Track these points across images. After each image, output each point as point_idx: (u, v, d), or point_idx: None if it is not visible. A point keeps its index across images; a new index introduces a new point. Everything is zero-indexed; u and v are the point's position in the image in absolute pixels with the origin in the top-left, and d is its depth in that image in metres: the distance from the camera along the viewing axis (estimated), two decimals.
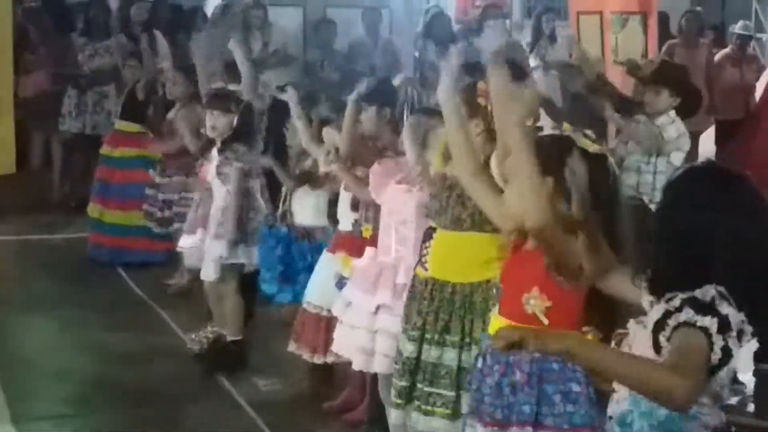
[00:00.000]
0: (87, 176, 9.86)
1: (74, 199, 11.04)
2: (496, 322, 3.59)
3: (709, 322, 2.78)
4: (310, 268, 6.17)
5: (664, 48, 10.79)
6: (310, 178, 6.25)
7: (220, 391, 6.53)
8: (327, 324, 5.87)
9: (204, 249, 6.79)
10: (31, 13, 12.12)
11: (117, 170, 9.31)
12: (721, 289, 2.84)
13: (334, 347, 5.58)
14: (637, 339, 3.05)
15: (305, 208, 6.34)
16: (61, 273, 9.15)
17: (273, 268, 6.36)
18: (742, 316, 2.84)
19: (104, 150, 9.50)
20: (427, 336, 4.18)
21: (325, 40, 12.10)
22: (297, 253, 6.31)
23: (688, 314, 2.81)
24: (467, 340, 4.09)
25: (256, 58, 11.59)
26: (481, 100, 4.18)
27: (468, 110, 4.10)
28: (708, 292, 2.84)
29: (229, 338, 6.82)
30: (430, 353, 4.16)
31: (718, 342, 2.77)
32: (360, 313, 5.29)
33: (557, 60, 9.17)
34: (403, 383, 4.21)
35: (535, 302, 3.53)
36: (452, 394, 4.09)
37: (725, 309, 2.82)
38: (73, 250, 9.59)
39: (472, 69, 4.29)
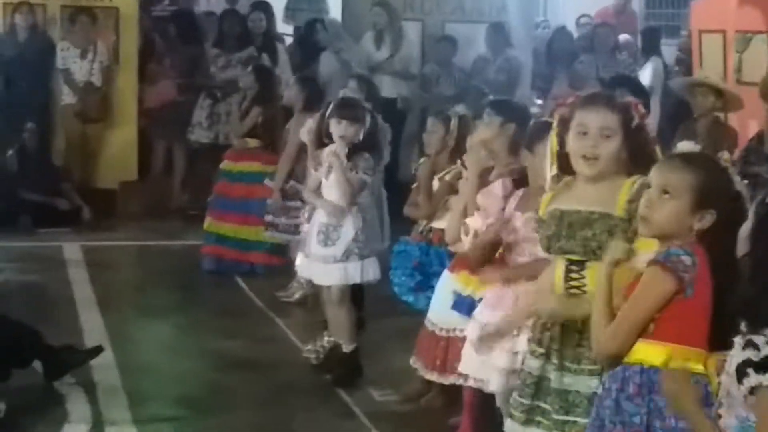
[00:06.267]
0: (209, 185, 9.97)
1: (194, 207, 11.23)
2: None
3: None
4: None
5: None
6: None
7: (335, 400, 6.56)
8: (446, 343, 5.81)
9: (312, 255, 6.83)
10: (158, 24, 12.36)
11: (237, 184, 9.33)
12: None
13: (466, 369, 5.51)
14: (732, 369, 3.01)
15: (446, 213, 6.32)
16: (179, 279, 9.31)
17: (411, 276, 6.34)
18: None
19: (225, 165, 9.49)
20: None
21: (443, 55, 12.14)
22: (435, 257, 6.28)
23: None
24: None
25: (375, 63, 11.72)
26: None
27: None
28: None
29: (347, 348, 6.84)
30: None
31: None
32: None
33: (682, 80, 9.05)
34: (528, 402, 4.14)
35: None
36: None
37: None
38: (191, 257, 9.70)
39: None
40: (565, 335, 4.07)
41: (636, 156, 4.01)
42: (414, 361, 6.11)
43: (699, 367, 3.47)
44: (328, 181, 6.75)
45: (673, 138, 8.69)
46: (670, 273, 3.39)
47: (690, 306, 3.42)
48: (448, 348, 5.79)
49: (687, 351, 3.46)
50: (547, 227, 4.10)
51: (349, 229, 6.70)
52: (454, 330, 5.73)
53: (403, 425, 6.22)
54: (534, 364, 4.15)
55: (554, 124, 4.18)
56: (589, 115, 4.01)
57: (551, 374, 4.07)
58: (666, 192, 3.44)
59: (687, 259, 3.39)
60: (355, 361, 6.86)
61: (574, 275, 4.05)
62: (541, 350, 4.13)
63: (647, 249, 3.73)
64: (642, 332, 3.45)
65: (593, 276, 3.94)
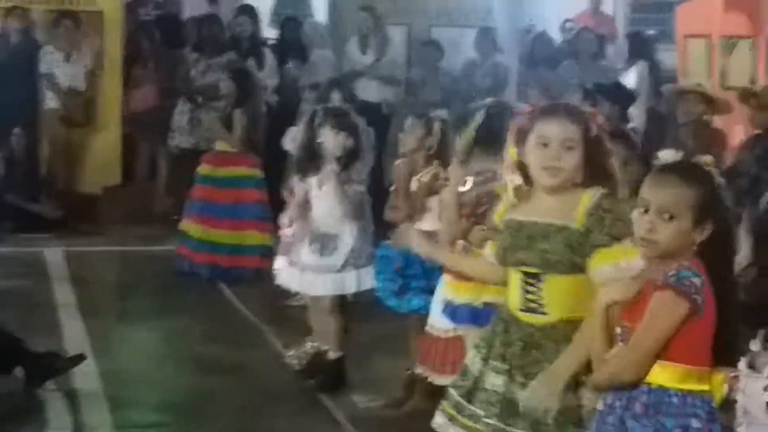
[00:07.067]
0: None
1: (177, 213, 11.16)
2: None
3: None
4: (426, 275, 6.14)
5: None
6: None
7: (318, 406, 6.52)
8: (444, 344, 5.77)
9: (303, 265, 6.78)
10: (143, 29, 12.33)
11: (225, 190, 9.28)
12: None
13: None
14: (749, 389, 2.97)
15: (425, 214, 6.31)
16: (161, 284, 9.27)
17: (393, 281, 6.31)
18: None
19: (207, 170, 9.42)
20: None
21: (428, 60, 12.11)
22: (416, 260, 6.25)
23: None
24: None
25: (362, 68, 11.72)
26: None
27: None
28: None
29: (333, 355, 6.80)
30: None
31: None
32: None
33: (671, 86, 9.05)
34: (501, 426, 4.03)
35: None
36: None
37: None
38: (174, 262, 9.67)
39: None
40: (525, 351, 3.99)
41: (592, 167, 3.94)
42: (423, 370, 6.01)
43: (705, 387, 3.44)
44: (321, 191, 6.72)
45: (661, 142, 8.72)
46: (684, 297, 3.33)
47: (701, 326, 3.38)
48: (447, 349, 5.76)
49: (696, 371, 3.42)
50: (504, 238, 4.03)
51: (348, 240, 6.68)
52: (455, 330, 5.71)
53: (386, 431, 6.19)
54: (498, 381, 4.05)
55: (511, 135, 4.07)
56: (550, 126, 3.93)
57: (518, 394, 3.96)
58: (667, 212, 3.39)
59: (698, 281, 3.35)
60: (341, 368, 6.81)
61: (530, 288, 3.96)
62: (505, 366, 4.03)
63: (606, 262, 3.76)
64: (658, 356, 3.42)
65: (550, 288, 3.91)
